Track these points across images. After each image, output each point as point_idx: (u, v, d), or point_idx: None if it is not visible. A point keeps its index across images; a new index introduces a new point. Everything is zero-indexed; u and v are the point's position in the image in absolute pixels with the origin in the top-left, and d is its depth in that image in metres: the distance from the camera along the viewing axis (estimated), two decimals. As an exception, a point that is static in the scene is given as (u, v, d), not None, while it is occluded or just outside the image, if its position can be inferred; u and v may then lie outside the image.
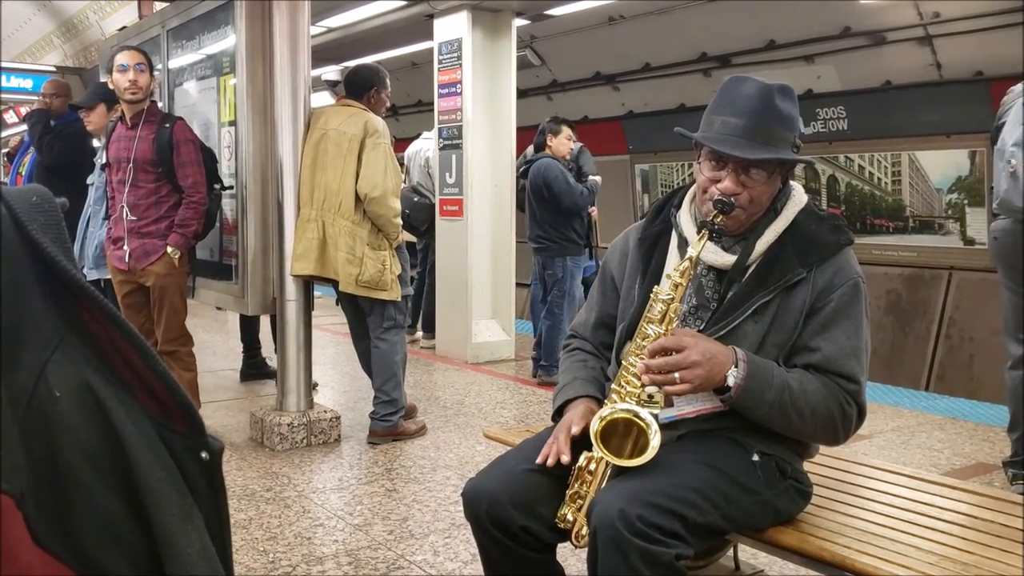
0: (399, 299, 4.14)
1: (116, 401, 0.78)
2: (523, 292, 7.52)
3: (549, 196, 5.49)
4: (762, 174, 1.82)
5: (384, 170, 3.99)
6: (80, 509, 0.77)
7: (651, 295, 1.85)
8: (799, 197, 1.92)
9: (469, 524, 1.90)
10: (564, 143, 5.65)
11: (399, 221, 4.12)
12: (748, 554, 2.59)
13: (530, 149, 5.85)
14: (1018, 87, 3.44)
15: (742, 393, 1.75)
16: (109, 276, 4.21)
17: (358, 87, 4.30)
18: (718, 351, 1.75)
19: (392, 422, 4.22)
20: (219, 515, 0.84)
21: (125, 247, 3.99)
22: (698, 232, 1.84)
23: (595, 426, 1.76)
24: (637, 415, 1.76)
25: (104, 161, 4.19)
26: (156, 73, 4.32)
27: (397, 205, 4.08)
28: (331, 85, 10.70)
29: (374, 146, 4.01)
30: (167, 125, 4.01)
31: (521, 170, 5.89)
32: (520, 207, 6.12)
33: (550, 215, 5.55)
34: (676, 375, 1.72)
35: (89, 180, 4.67)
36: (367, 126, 4.03)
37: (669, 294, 1.81)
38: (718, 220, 1.80)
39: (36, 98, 6.50)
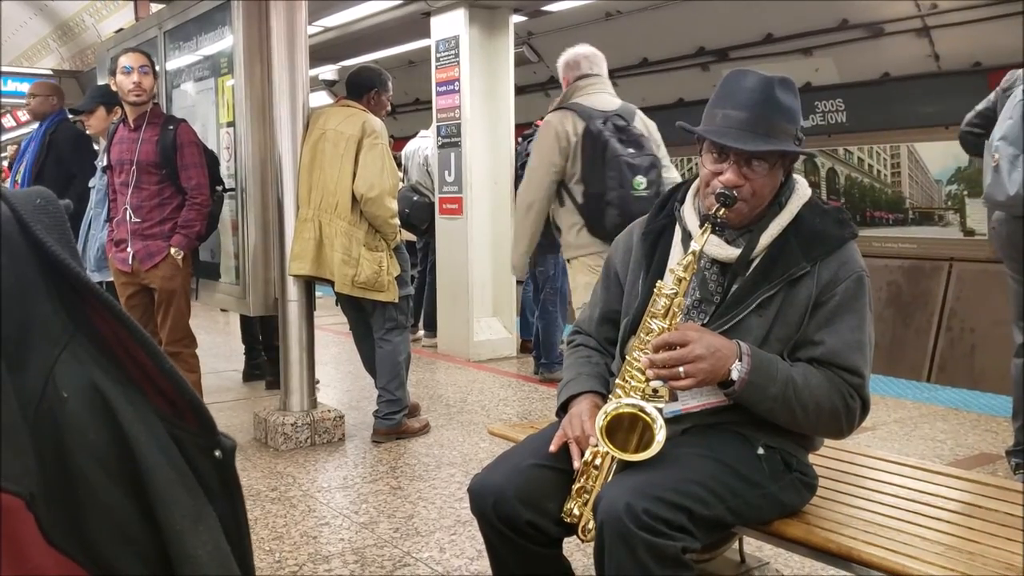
0: (396, 300, 4.13)
1: (124, 401, 0.78)
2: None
3: None
4: (764, 166, 1.82)
5: (381, 170, 3.98)
6: (91, 510, 0.77)
7: (655, 290, 1.85)
8: (803, 191, 1.92)
9: (475, 519, 1.91)
10: None
11: (396, 222, 4.10)
12: (753, 547, 2.60)
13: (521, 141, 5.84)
14: (1018, 72, 3.44)
15: (746, 387, 1.75)
16: (111, 278, 4.21)
17: (358, 87, 4.29)
18: (722, 345, 1.75)
19: (395, 420, 4.23)
20: (236, 514, 0.84)
21: (129, 249, 3.99)
22: (701, 226, 1.84)
23: (600, 421, 1.76)
24: (642, 410, 1.76)
25: (105, 163, 4.19)
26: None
27: (394, 206, 4.07)
28: (328, 85, 10.70)
29: (371, 146, 4.00)
30: (171, 127, 4.01)
31: (521, 163, 5.82)
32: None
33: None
34: (681, 369, 1.72)
35: (91, 183, 4.66)
36: (365, 126, 4.02)
37: (673, 288, 1.81)
38: (720, 213, 1.80)
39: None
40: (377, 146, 4.02)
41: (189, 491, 0.79)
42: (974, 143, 3.61)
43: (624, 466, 1.75)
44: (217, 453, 0.82)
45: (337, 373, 5.87)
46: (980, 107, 3.61)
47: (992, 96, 3.56)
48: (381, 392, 4.24)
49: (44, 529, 0.72)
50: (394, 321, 4.19)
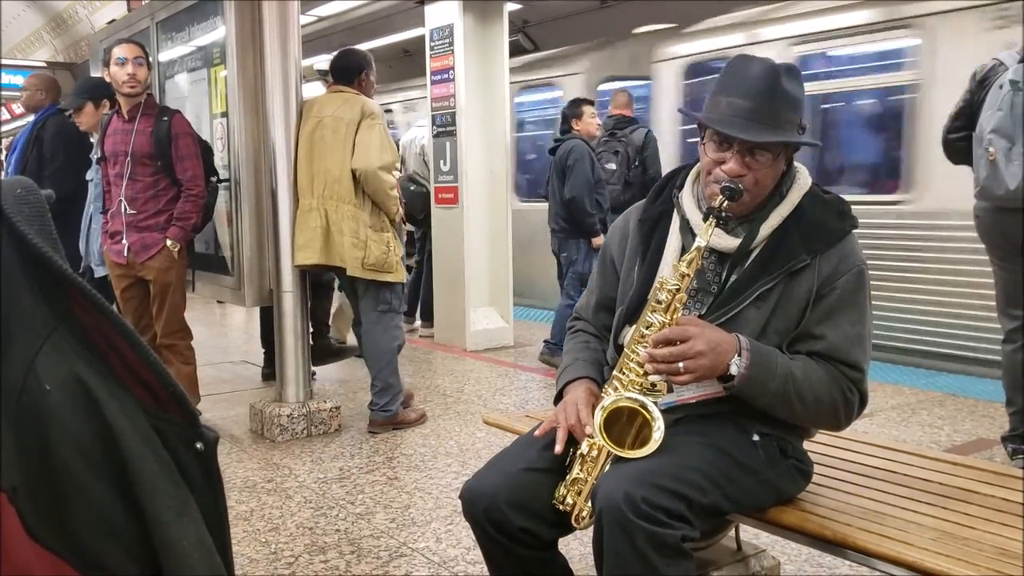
0: (404, 280, 4.14)
1: (107, 393, 0.77)
2: (521, 279, 7.48)
3: (566, 176, 5.42)
4: (767, 156, 1.80)
5: (380, 146, 3.98)
6: (75, 503, 0.76)
7: (657, 284, 1.83)
8: (804, 180, 1.89)
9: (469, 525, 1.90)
10: (590, 122, 5.60)
11: (396, 194, 4.10)
12: (750, 534, 2.59)
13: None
14: (991, 62, 3.41)
15: (745, 382, 1.74)
16: (113, 270, 4.20)
17: (348, 71, 4.27)
18: (722, 340, 1.73)
19: (391, 411, 4.22)
20: (217, 506, 0.83)
21: (124, 241, 3.97)
22: (705, 219, 1.80)
23: (599, 416, 1.75)
24: (644, 407, 1.75)
25: (99, 155, 4.16)
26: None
27: (391, 179, 4.06)
28: (322, 74, 10.66)
29: (369, 127, 4.00)
30: (165, 118, 3.99)
31: (550, 148, 5.80)
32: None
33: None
34: (680, 365, 1.70)
35: (88, 176, 4.63)
36: (363, 109, 4.02)
37: (676, 284, 1.77)
38: (724, 206, 1.76)
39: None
40: (375, 126, 4.01)
41: (173, 482, 0.79)
42: (962, 149, 3.52)
43: (620, 457, 1.74)
44: (199, 445, 0.81)
45: (334, 364, 5.84)
46: (955, 109, 3.54)
47: (965, 93, 3.50)
48: (374, 381, 4.23)
49: (26, 523, 0.72)
50: (388, 304, 4.17)
